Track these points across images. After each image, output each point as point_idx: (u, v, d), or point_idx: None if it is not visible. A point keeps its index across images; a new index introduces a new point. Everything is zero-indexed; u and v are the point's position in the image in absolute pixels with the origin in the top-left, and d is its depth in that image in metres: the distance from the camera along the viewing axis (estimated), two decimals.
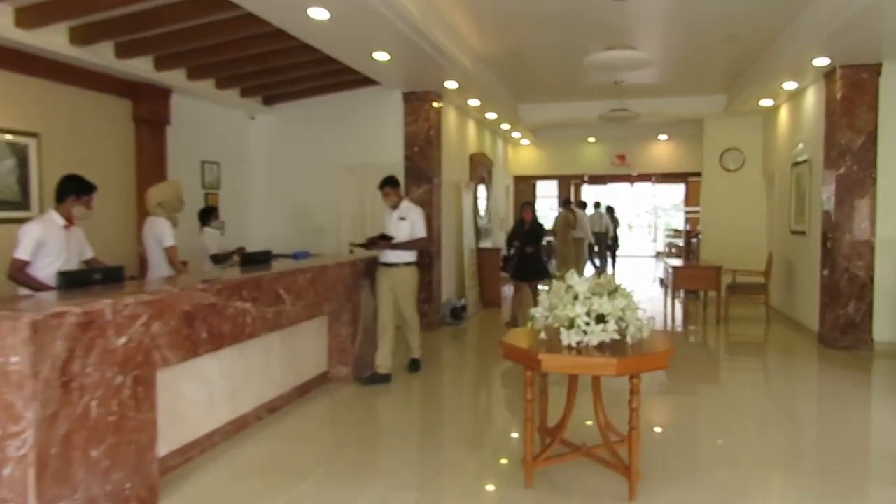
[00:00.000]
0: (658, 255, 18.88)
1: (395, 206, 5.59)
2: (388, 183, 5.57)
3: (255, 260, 5.00)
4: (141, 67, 6.14)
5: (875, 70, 6.48)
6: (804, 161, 7.79)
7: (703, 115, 10.17)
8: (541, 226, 8.03)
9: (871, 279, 6.61)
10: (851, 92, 6.54)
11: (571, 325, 3.19)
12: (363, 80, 7.42)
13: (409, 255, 5.56)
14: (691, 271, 8.35)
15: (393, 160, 7.84)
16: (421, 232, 5.57)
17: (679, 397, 5.47)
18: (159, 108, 6.63)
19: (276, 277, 4.22)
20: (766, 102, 8.82)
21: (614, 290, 3.34)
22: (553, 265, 15.12)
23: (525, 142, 13.32)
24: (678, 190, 18.23)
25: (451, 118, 8.75)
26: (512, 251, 7.96)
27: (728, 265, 8.77)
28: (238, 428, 4.08)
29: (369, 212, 8.12)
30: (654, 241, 20.66)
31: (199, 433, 3.70)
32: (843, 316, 6.68)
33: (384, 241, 5.46)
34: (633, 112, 8.77)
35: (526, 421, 3.30)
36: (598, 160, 13.49)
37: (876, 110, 6.49)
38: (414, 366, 5.80)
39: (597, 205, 13.36)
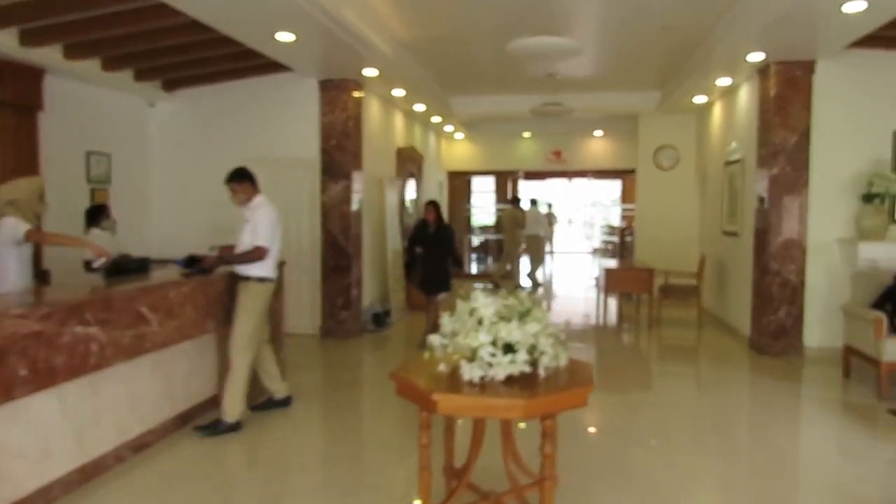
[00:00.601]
0: (595, 251, 18.83)
1: (243, 205, 4.45)
2: (234, 178, 4.39)
3: (126, 269, 4.28)
4: (4, 43, 5.29)
5: (809, 67, 6.26)
6: (737, 160, 7.57)
7: (637, 111, 9.90)
8: (449, 228, 6.85)
9: (803, 283, 6.41)
10: (785, 89, 6.30)
11: (474, 356, 2.68)
12: (274, 66, 6.72)
13: (250, 268, 4.35)
14: (623, 274, 8.05)
15: (308, 154, 7.19)
16: (260, 239, 4.31)
17: (599, 415, 5.08)
18: (28, 90, 5.77)
19: (134, 294, 3.54)
20: (700, 99, 8.59)
21: (526, 313, 2.85)
22: (495, 264, 14.89)
23: (459, 136, 12.82)
24: (616, 186, 18.19)
25: (374, 109, 8.14)
26: (413, 257, 7.01)
27: (662, 265, 8.53)
28: (89, 475, 3.40)
29: (282, 210, 7.41)
30: (590, 238, 20.64)
31: (28, 489, 3.01)
32: (775, 321, 6.47)
33: (202, 260, 4.47)
34: (566, 106, 8.39)
35: (421, 470, 2.78)
36: (534, 156, 13.13)
37: (809, 109, 6.28)
38: (272, 405, 4.75)
39: (533, 202, 12.99)
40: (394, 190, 8.79)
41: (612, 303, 9.59)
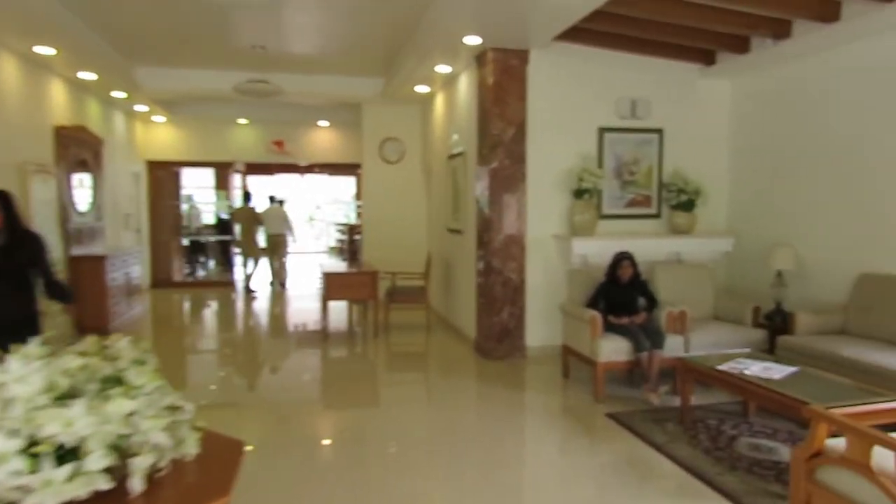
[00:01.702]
0: (331, 250, 17.97)
1: None
2: None
3: None
4: None
5: (524, 57, 6.01)
6: (459, 153, 7.19)
7: (360, 99, 9.14)
8: (35, 239, 3.47)
9: (524, 282, 6.19)
10: (503, 79, 5.98)
11: None
12: None
13: None
14: (344, 279, 7.18)
15: None
16: None
17: (324, 433, 4.09)
18: None
19: None
20: (423, 89, 8.11)
21: (114, 381, 1.67)
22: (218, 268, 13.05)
23: (159, 119, 10.78)
24: (352, 182, 17.48)
25: (7, 70, 6.03)
26: None
27: (390, 266, 7.88)
28: None
29: None
30: (321, 237, 19.77)
31: None
32: (499, 323, 6.15)
33: None
34: (275, 86, 7.22)
35: None
36: (254, 146, 11.67)
37: (525, 100, 6.04)
38: None
39: (272, 199, 11.56)
40: (49, 182, 6.70)
41: (344, 307, 8.74)
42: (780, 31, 5.33)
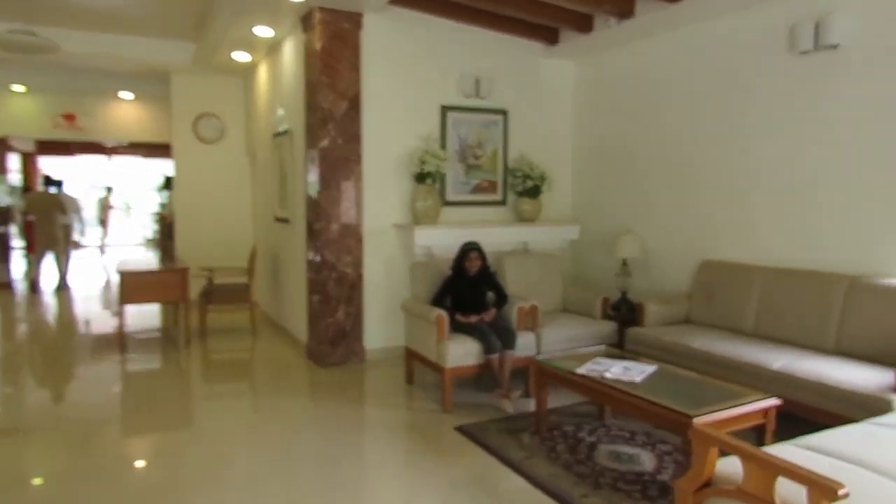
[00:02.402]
0: (148, 243, 15.93)
1: None
2: None
3: None
4: None
5: (356, 21, 5.25)
6: (285, 131, 6.27)
7: (168, 66, 7.79)
8: None
9: (361, 277, 5.48)
10: (333, 45, 5.18)
11: None
12: None
13: None
14: (145, 278, 5.94)
15: None
16: None
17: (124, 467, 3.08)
18: None
19: None
20: (243, 56, 7.03)
21: None
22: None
23: None
24: (171, 166, 15.49)
25: None
26: None
27: (212, 261, 6.80)
28: None
29: None
30: (138, 228, 17.58)
31: None
32: (334, 324, 5.39)
33: None
34: (47, 40, 5.77)
35: None
36: (36, 119, 9.69)
37: (359, 71, 5.30)
38: None
39: (50, 181, 9.65)
40: None
41: (156, 309, 7.44)
42: (625, 8, 5.10)
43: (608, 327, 4.90)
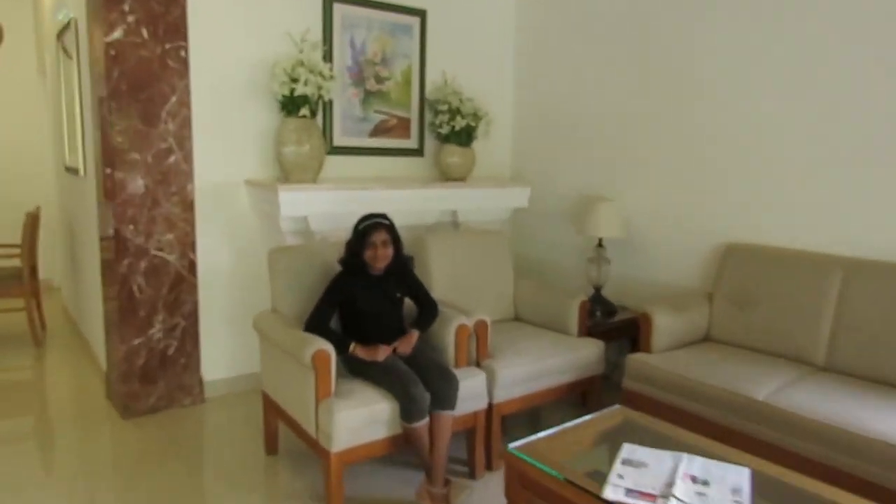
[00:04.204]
0: None
1: None
2: None
3: None
4: None
5: None
6: (67, 24, 3.89)
7: None
8: None
9: (194, 266, 3.34)
10: None
11: None
12: None
13: None
14: None
15: None
16: None
17: None
18: None
19: None
20: None
21: None
22: None
23: None
24: None
25: None
26: None
27: None
28: None
29: None
30: None
31: None
32: (146, 346, 3.25)
33: None
34: None
35: None
36: None
37: None
38: None
39: None
40: None
41: None
42: None
43: (593, 351, 3.10)
